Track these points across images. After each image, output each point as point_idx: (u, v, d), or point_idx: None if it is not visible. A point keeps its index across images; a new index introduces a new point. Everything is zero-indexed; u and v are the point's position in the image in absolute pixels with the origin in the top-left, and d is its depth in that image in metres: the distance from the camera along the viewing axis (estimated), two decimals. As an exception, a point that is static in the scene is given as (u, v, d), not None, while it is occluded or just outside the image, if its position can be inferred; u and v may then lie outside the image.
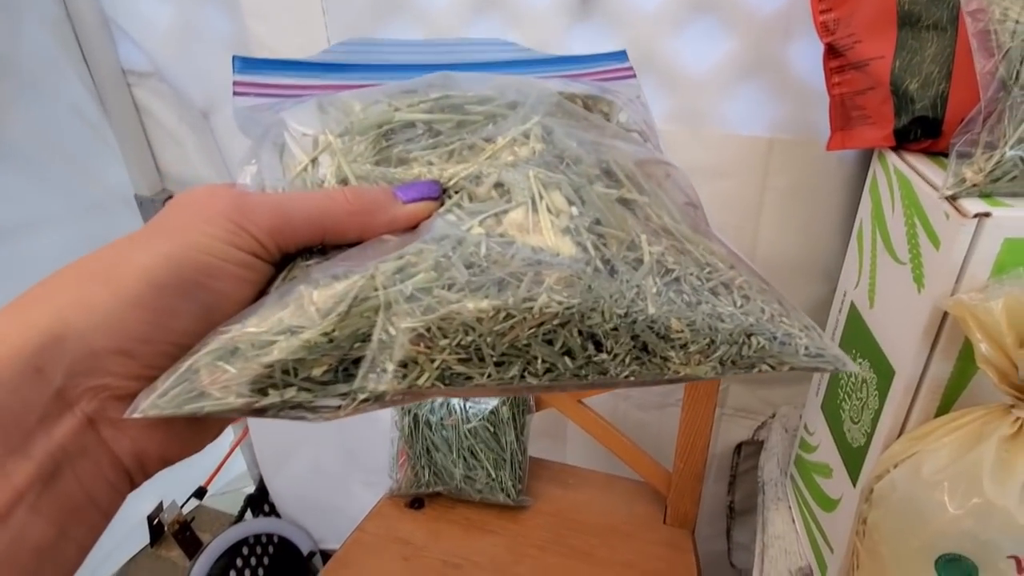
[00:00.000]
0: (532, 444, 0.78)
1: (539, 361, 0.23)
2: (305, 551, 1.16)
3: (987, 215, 0.35)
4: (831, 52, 0.49)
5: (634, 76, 0.37)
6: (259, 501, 1.16)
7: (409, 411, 0.72)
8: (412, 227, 0.26)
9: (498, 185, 0.26)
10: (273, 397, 0.21)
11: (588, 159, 0.28)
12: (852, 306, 0.52)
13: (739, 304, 0.27)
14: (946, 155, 0.39)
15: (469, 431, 0.68)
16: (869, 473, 0.44)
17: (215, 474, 1.14)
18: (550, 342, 0.23)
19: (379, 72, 0.31)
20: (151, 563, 1.10)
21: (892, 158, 0.45)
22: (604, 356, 0.24)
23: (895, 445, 0.41)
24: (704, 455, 0.67)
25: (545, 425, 0.89)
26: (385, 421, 0.78)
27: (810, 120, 0.60)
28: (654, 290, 0.25)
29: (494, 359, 0.23)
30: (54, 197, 0.83)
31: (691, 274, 0.26)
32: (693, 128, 0.64)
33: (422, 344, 0.22)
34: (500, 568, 0.67)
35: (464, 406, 0.69)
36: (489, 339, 0.22)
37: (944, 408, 0.41)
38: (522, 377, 0.23)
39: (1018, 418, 0.36)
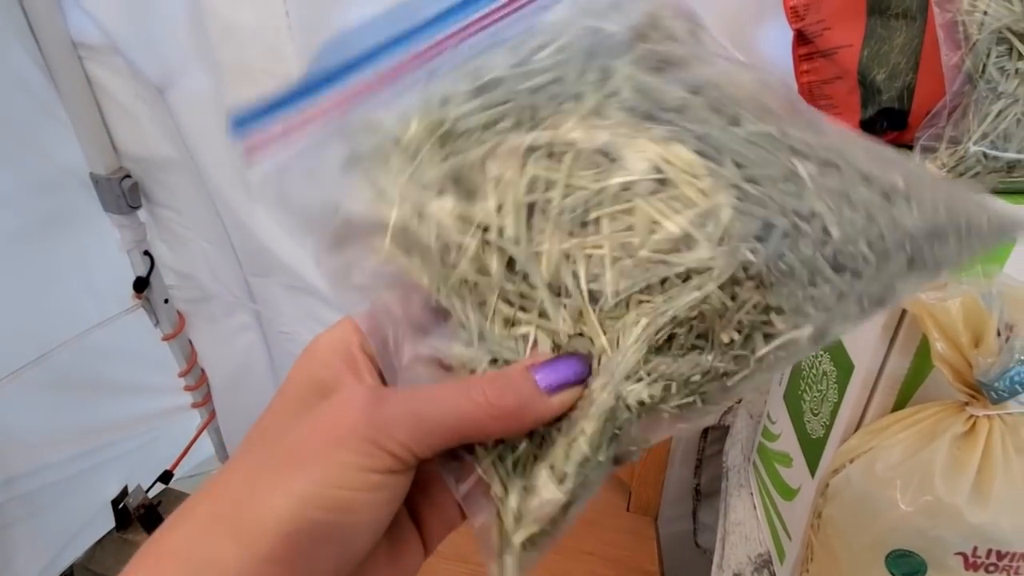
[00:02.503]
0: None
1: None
2: (275, 533, 1.16)
3: (947, 212, 0.35)
4: (800, 39, 0.48)
5: None
6: (228, 484, 1.15)
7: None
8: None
9: (603, 154, 0.21)
10: None
11: (694, 101, 0.23)
12: (816, 297, 0.52)
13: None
14: (911, 148, 0.39)
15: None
16: (826, 466, 0.44)
17: (181, 457, 1.12)
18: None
19: (374, 60, 0.26)
20: (117, 547, 1.08)
21: (858, 149, 0.45)
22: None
23: (851, 440, 0.41)
24: (667, 444, 0.68)
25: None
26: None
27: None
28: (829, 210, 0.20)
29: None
30: (3, 175, 0.80)
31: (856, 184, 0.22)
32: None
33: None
34: (463, 556, 0.67)
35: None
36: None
37: (900, 403, 0.41)
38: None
39: (971, 416, 0.36)
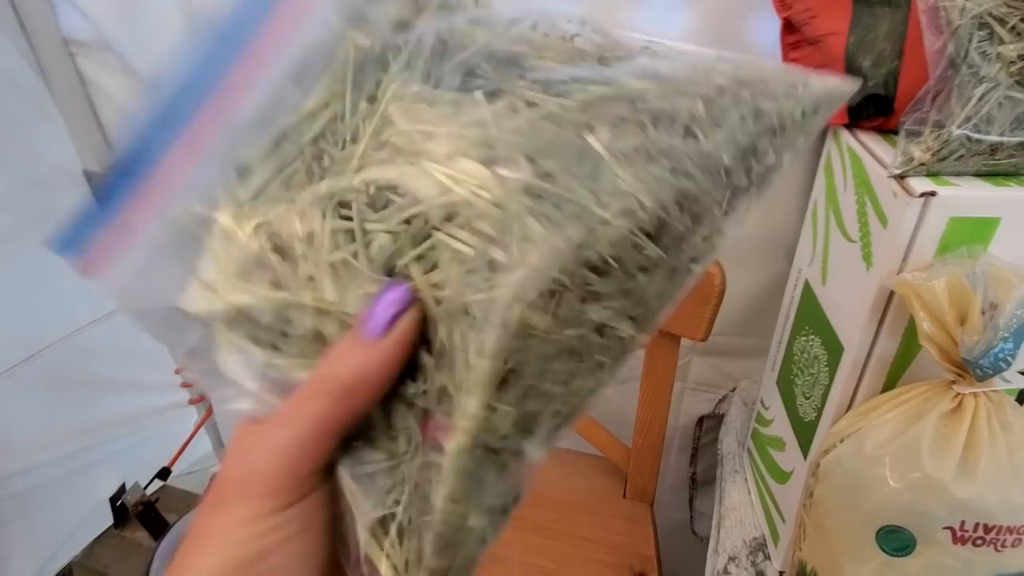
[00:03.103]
0: (496, 421, 0.78)
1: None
2: (273, 529, 1.16)
3: (933, 194, 0.36)
4: (788, 27, 0.49)
5: None
6: (225, 480, 1.15)
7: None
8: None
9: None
10: None
11: (471, 97, 0.22)
12: (806, 283, 0.52)
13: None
14: (897, 133, 0.39)
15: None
16: (818, 448, 0.45)
17: (179, 454, 1.12)
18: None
19: (171, 133, 0.24)
20: (116, 544, 1.08)
21: (846, 136, 0.45)
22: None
23: (841, 421, 0.42)
24: (662, 431, 0.68)
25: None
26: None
27: (769, 96, 0.60)
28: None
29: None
30: (-5, 173, 0.80)
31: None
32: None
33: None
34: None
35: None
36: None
37: (890, 384, 0.42)
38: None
39: (958, 394, 0.36)
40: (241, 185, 0.23)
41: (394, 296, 0.20)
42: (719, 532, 0.60)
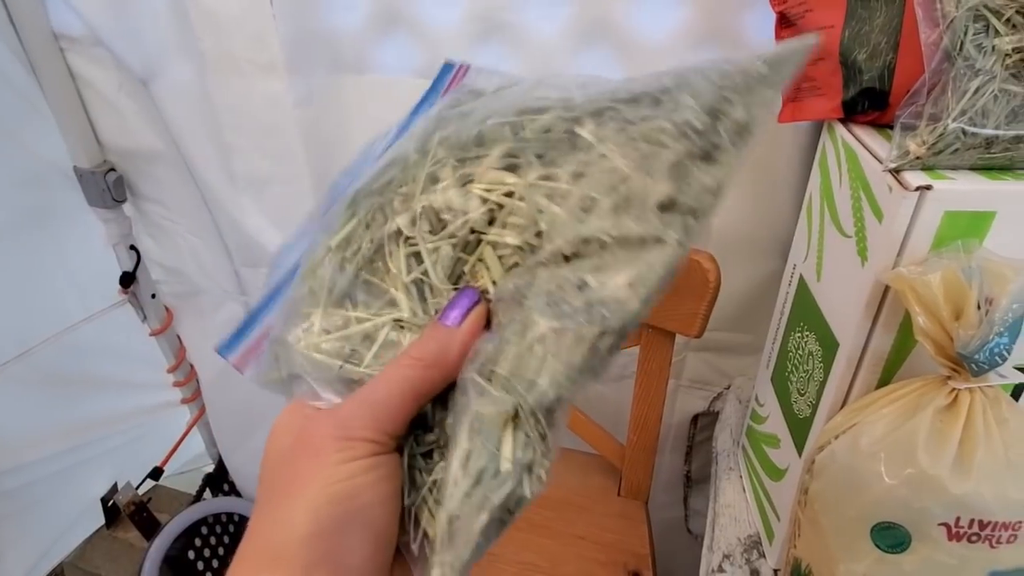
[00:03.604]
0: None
1: None
2: (267, 529, 1.15)
3: (928, 188, 0.35)
4: (783, 21, 0.48)
5: (468, 67, 0.37)
6: (218, 480, 1.15)
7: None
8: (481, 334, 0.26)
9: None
10: None
11: (490, 126, 0.28)
12: (801, 279, 0.52)
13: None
14: (893, 128, 0.39)
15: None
16: (812, 445, 0.45)
17: (171, 454, 1.12)
18: None
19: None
20: (107, 545, 1.08)
21: (841, 130, 0.45)
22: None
23: (836, 417, 0.42)
24: (657, 428, 0.68)
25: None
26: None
27: (764, 91, 0.60)
28: None
29: None
30: (-16, 170, 0.79)
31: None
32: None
33: None
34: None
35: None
36: None
37: (885, 380, 0.42)
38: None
39: (953, 389, 0.36)
40: (334, 252, 0.29)
41: (467, 294, 0.26)
42: (714, 530, 0.60)
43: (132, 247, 0.96)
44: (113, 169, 0.88)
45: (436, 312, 0.27)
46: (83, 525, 1.06)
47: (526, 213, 0.25)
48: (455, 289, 0.27)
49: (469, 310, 0.26)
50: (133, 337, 1.02)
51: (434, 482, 0.25)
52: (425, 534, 0.25)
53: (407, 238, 0.27)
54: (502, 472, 0.23)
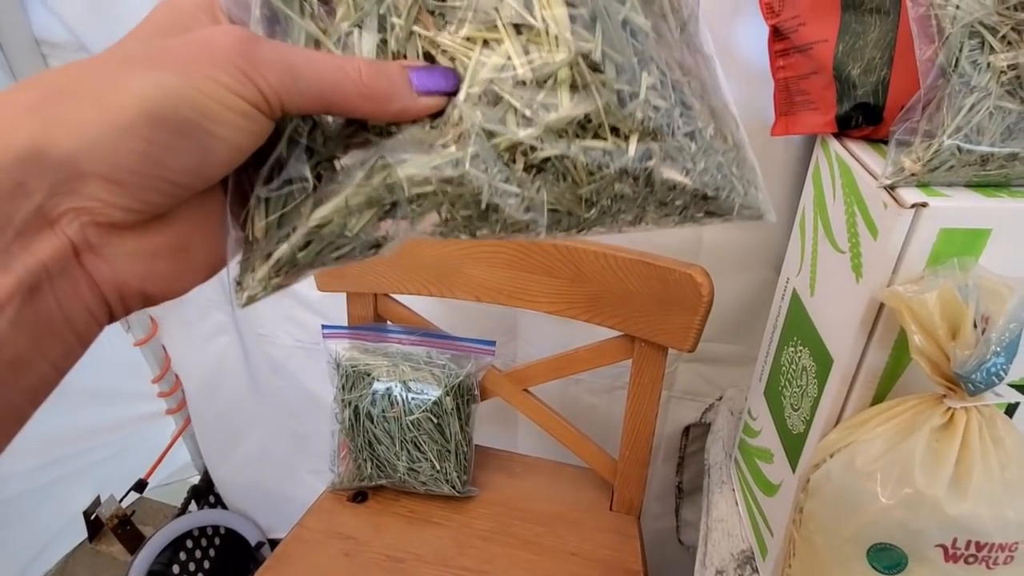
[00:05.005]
0: (483, 432, 0.77)
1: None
2: (253, 542, 1.13)
3: (924, 205, 0.35)
4: (776, 34, 0.48)
5: None
6: (204, 492, 1.13)
7: (350, 403, 0.69)
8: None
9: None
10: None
11: None
12: (794, 293, 0.52)
13: (701, 156, 0.27)
14: (887, 143, 0.39)
15: (412, 423, 0.67)
16: (807, 462, 0.44)
17: (156, 465, 1.10)
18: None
19: None
20: (90, 559, 1.06)
21: (834, 145, 0.45)
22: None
23: (831, 434, 0.41)
24: (649, 443, 0.67)
25: (496, 413, 0.88)
26: (330, 408, 0.76)
27: (756, 105, 0.60)
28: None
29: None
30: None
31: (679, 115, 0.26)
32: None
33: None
34: (444, 560, 0.66)
35: (406, 398, 0.67)
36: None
37: (879, 397, 0.41)
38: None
39: (949, 408, 0.36)
40: None
41: (449, 79, 0.23)
42: (706, 544, 0.60)
43: (116, 256, 0.94)
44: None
45: (396, 57, 0.24)
46: (65, 539, 1.04)
47: None
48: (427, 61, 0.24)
49: (438, 94, 0.23)
50: (117, 347, 1.00)
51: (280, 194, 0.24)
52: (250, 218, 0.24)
53: None
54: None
